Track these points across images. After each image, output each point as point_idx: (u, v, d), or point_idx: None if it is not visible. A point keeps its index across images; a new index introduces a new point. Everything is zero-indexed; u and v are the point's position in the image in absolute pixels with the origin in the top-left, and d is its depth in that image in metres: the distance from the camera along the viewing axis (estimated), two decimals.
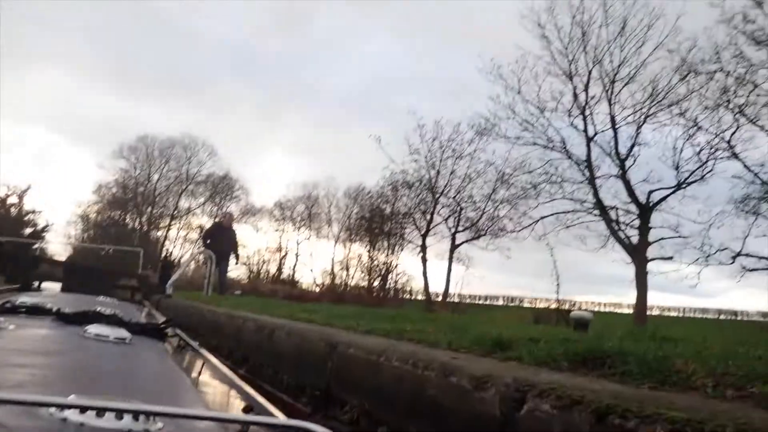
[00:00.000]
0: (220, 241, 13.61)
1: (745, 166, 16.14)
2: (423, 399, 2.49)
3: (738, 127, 16.08)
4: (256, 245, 38.28)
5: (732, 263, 16.57)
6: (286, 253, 37.18)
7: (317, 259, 34.55)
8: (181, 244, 45.71)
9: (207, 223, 45.03)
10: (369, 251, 28.25)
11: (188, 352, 3.14)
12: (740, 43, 15.56)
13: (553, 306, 18.13)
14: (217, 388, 2.25)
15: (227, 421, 1.50)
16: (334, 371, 3.40)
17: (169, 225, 45.93)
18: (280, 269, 37.87)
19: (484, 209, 22.43)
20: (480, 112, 20.44)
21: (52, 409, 1.24)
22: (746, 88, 15.69)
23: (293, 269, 35.11)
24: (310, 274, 32.93)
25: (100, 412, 1.23)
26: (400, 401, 2.67)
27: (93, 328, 2.76)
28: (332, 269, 30.72)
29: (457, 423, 2.24)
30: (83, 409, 1.23)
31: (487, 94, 19.95)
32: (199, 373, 2.47)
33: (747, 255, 16.29)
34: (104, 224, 45.63)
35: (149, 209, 46.07)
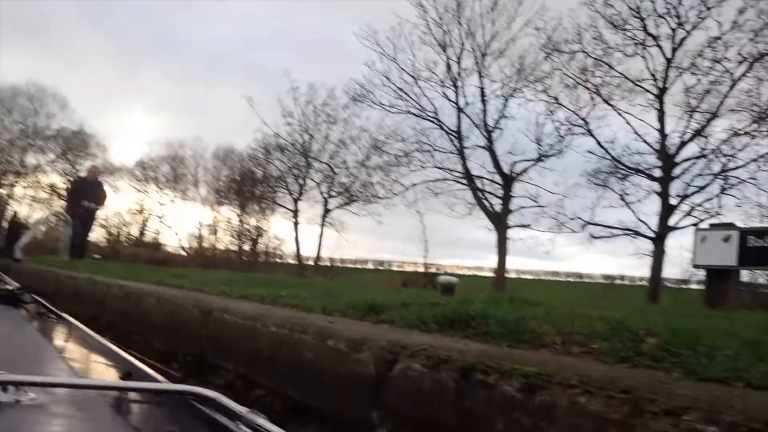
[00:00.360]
0: (83, 196, 12.10)
1: (598, 142, 17.54)
2: (300, 362, 2.58)
3: (594, 106, 17.44)
4: (116, 206, 36.26)
5: (582, 231, 18.07)
6: (149, 216, 35.52)
7: (183, 222, 33.38)
8: (30, 204, 42.28)
9: (58, 181, 41.99)
10: (239, 215, 27.72)
11: (50, 320, 2.91)
12: (600, 26, 16.79)
13: (421, 270, 18.88)
14: (89, 356, 2.11)
15: (107, 388, 1.39)
16: (209, 337, 3.40)
17: (14, 183, 42.25)
18: (142, 232, 36.18)
19: (357, 175, 22.69)
20: (355, 78, 20.55)
21: None
22: (603, 69, 17.01)
23: (157, 232, 33.67)
24: (175, 238, 31.77)
25: None
26: (277, 365, 2.74)
27: None
28: (200, 233, 29.85)
29: (334, 383, 2.35)
30: None
31: (363, 59, 20.03)
32: (67, 341, 2.32)
33: (595, 224, 17.81)
34: None
35: None
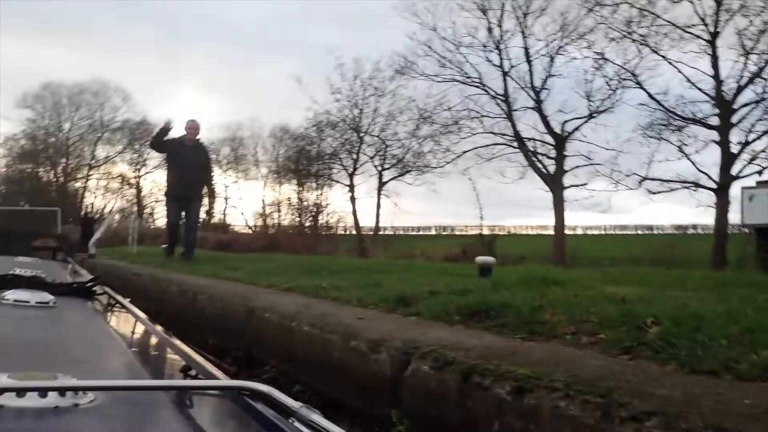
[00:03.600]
0: (182, 164, 8.08)
1: (649, 94, 16.95)
2: (330, 360, 2.77)
3: (641, 57, 16.85)
4: None
5: (639, 187, 17.61)
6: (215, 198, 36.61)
7: (247, 202, 34.29)
8: (103, 195, 44.39)
9: (127, 171, 43.78)
10: (298, 192, 28.32)
11: (118, 311, 2.95)
12: None
13: (482, 232, 18.83)
14: (150, 348, 2.19)
15: (163, 388, 1.43)
16: (253, 334, 3.65)
17: (88, 175, 44.31)
18: (209, 214, 37.48)
19: (408, 146, 22.74)
20: (396, 50, 20.52)
21: None
22: (649, 19, 16.36)
23: (224, 213, 34.82)
24: (241, 218, 32.74)
25: (21, 392, 1.14)
26: (311, 363, 2.95)
27: (11, 294, 2.56)
28: (263, 211, 30.68)
29: (358, 382, 2.54)
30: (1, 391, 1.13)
31: (400, 27, 19.88)
32: (132, 333, 2.35)
33: (652, 179, 17.31)
34: (17, 179, 43.55)
35: (64, 160, 44.17)
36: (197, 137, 8.43)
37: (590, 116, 18.13)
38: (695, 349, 2.04)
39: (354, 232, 25.02)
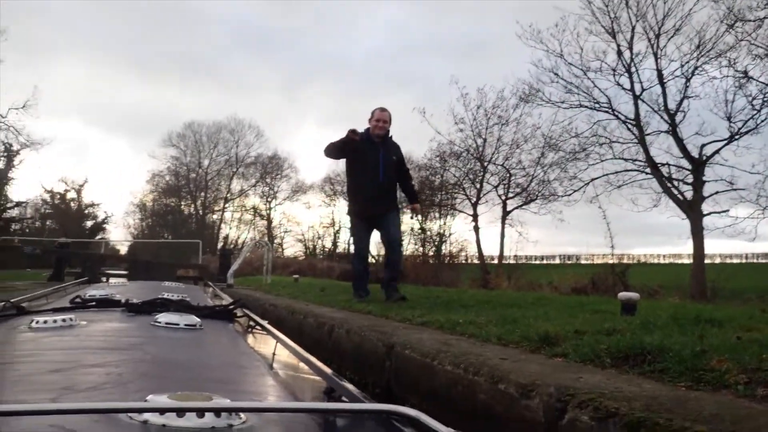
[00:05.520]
0: (370, 167, 6.43)
1: None
2: (475, 403, 2.71)
3: None
4: (310, 221, 39.11)
5: None
6: (340, 228, 37.88)
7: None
8: (237, 226, 46.98)
9: (259, 203, 46.10)
10: (421, 223, 28.46)
11: (259, 333, 3.08)
12: None
13: (610, 262, 17.93)
14: (294, 370, 2.24)
15: (314, 411, 1.45)
16: (393, 371, 3.65)
17: (224, 208, 47.15)
18: (335, 244, 38.66)
19: (533, 174, 22.29)
20: (521, 77, 20.31)
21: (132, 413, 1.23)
22: None
23: (347, 242, 35.72)
24: None
25: (181, 412, 1.20)
26: (454, 403, 2.90)
27: (163, 317, 2.75)
28: None
29: (507, 428, 2.46)
30: (163, 411, 1.20)
31: (514, 51, 19.69)
32: (273, 354, 2.41)
33: None
34: (161, 212, 47.17)
35: (203, 194, 47.30)
36: (386, 130, 6.44)
37: (731, 138, 16.92)
38: None
39: (476, 261, 24.75)
